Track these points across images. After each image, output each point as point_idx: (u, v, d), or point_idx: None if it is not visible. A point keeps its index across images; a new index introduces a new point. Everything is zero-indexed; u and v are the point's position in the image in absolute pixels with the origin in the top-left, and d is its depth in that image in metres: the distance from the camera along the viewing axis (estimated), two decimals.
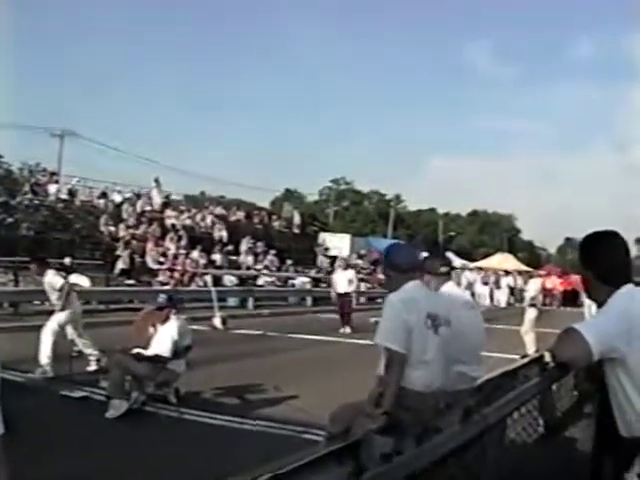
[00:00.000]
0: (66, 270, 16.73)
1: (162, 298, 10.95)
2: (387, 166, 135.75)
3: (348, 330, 21.49)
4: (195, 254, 32.60)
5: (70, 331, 12.69)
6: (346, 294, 22.72)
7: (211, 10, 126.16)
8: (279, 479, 1.72)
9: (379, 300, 34.30)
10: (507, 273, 46.96)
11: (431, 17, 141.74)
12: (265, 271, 35.77)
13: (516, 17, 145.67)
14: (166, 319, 10.62)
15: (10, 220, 30.88)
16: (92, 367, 12.56)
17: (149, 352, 10.29)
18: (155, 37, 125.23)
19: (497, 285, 44.86)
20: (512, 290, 44.48)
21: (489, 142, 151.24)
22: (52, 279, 12.76)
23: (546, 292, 30.58)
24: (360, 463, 1.82)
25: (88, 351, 12.72)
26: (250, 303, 29.29)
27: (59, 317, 12.47)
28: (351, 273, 23.85)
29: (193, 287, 28.84)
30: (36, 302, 20.54)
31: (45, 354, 11.93)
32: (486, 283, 43.95)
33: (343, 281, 22.94)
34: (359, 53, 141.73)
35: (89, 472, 7.24)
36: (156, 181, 39.32)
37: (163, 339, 10.38)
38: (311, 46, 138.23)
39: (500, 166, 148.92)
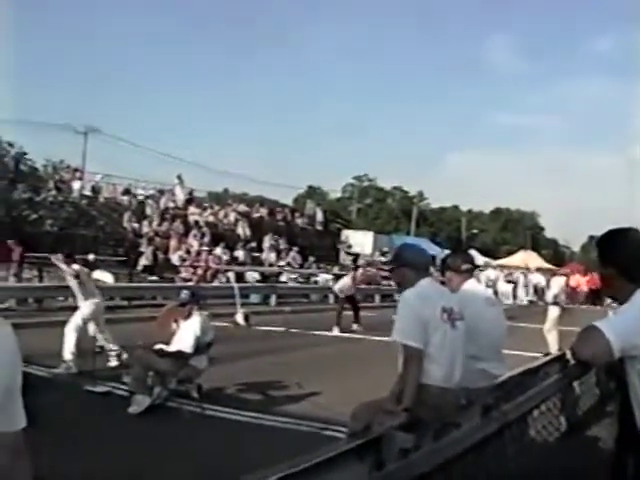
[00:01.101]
0: (90, 266, 16.81)
1: (185, 294, 10.99)
2: (410, 163, 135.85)
3: (360, 327, 21.35)
4: (218, 251, 32.67)
5: (92, 327, 12.77)
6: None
7: (232, 4, 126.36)
8: (301, 475, 1.73)
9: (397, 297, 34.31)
10: (530, 271, 46.69)
11: (451, 12, 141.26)
12: (288, 268, 35.78)
13: (534, 13, 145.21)
14: (188, 315, 10.65)
15: (34, 216, 31.11)
16: (113, 363, 12.62)
17: (171, 348, 10.32)
18: (178, 33, 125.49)
19: (520, 283, 44.63)
20: (535, 288, 44.24)
21: (511, 138, 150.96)
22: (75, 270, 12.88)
23: (569, 290, 30.46)
24: (381, 458, 1.83)
25: (109, 347, 12.79)
26: (272, 300, 29.25)
27: (83, 313, 12.55)
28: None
29: (216, 284, 28.84)
30: (60, 298, 20.66)
31: (69, 350, 12.01)
32: (509, 281, 43.77)
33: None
34: (379, 49, 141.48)
35: (111, 466, 7.28)
36: (179, 178, 39.50)
37: (185, 335, 10.41)
38: (331, 41, 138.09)
39: (523, 162, 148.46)
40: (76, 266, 13.02)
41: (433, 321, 5.17)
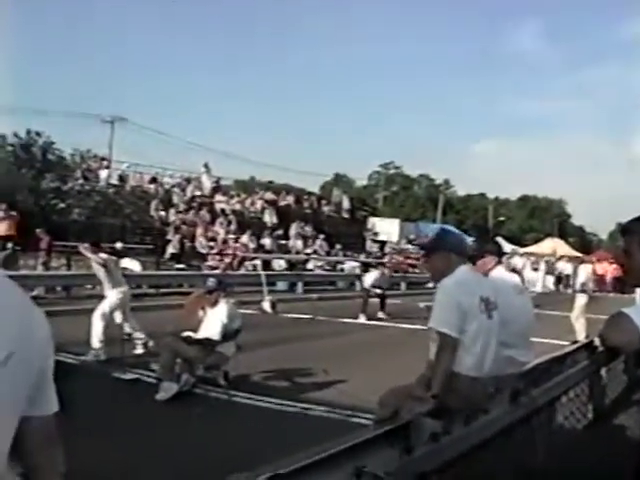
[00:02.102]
0: (118, 254, 16.90)
1: (212, 282, 11.05)
2: (436, 151, 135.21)
3: (386, 316, 21.34)
4: (245, 238, 32.72)
5: (119, 315, 12.85)
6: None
7: None
8: (330, 460, 1.75)
9: (428, 285, 34.26)
10: (557, 259, 46.42)
11: None
12: (314, 255, 35.79)
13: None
14: (215, 302, 10.71)
15: (62, 205, 31.36)
16: (139, 350, 12.70)
17: (199, 335, 10.38)
18: (203, 22, 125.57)
19: (547, 270, 44.38)
20: (562, 276, 44.00)
21: (537, 125, 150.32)
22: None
23: (597, 278, 30.28)
24: (410, 443, 1.84)
25: (135, 335, 12.87)
26: (299, 287, 29.32)
27: (110, 301, 12.64)
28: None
29: (242, 271, 28.92)
30: (88, 286, 20.81)
31: (97, 337, 12.10)
32: (536, 269, 43.53)
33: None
34: (407, 35, 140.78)
35: (139, 452, 7.35)
36: (206, 166, 39.61)
37: (213, 322, 10.47)
38: (360, 29, 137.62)
39: (549, 150, 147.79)
40: (103, 255, 13.12)
41: (471, 311, 5.12)
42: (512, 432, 2.36)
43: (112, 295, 12.71)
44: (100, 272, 12.96)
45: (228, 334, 10.51)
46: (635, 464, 3.31)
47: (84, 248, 13.49)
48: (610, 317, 3.14)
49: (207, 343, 10.29)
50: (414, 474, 1.64)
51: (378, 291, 21.77)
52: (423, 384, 5.06)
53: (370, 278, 22.17)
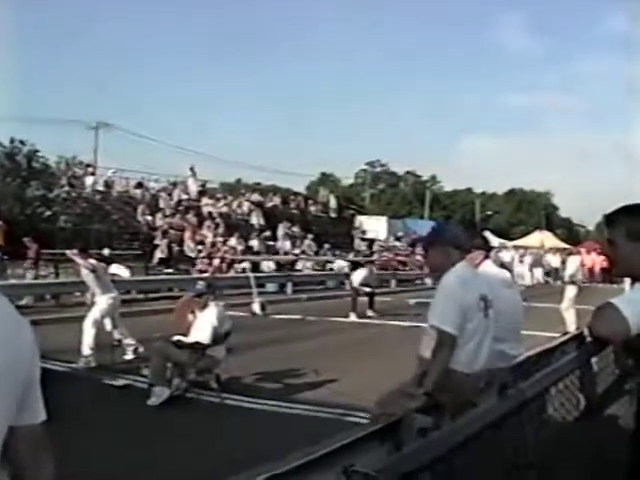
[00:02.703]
0: (105, 261, 16.86)
1: (200, 285, 11.06)
2: (422, 147, 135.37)
3: (374, 314, 21.33)
4: (233, 241, 32.70)
5: (108, 322, 12.81)
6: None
7: None
8: (321, 460, 1.75)
9: (417, 282, 34.33)
10: (546, 251, 46.60)
11: None
12: (303, 256, 35.79)
13: None
14: (205, 306, 10.70)
15: (48, 213, 31.30)
16: (129, 356, 12.67)
17: (189, 339, 10.37)
18: (186, 25, 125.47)
19: (536, 263, 44.52)
20: (551, 268, 44.16)
21: (522, 119, 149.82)
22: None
23: (585, 269, 30.36)
24: (400, 439, 1.84)
25: (126, 341, 12.83)
26: (289, 288, 29.32)
27: (100, 307, 12.60)
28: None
29: (231, 274, 28.88)
30: (77, 293, 20.73)
31: (88, 344, 12.07)
32: (524, 262, 43.66)
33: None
34: (389, 30, 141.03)
35: (133, 458, 7.34)
36: (192, 170, 39.61)
37: (202, 326, 10.45)
38: (341, 27, 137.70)
39: (535, 143, 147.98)
40: (92, 260, 13.08)
41: (471, 309, 5.10)
42: (501, 425, 2.37)
43: (102, 301, 12.67)
44: (89, 278, 12.92)
45: (218, 337, 10.50)
46: (628, 453, 3.32)
47: (73, 254, 13.45)
48: (598, 308, 3.15)
49: (198, 347, 10.28)
50: (399, 472, 1.64)
51: (367, 289, 21.77)
52: (417, 381, 5.05)
53: (358, 276, 22.13)
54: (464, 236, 5.74)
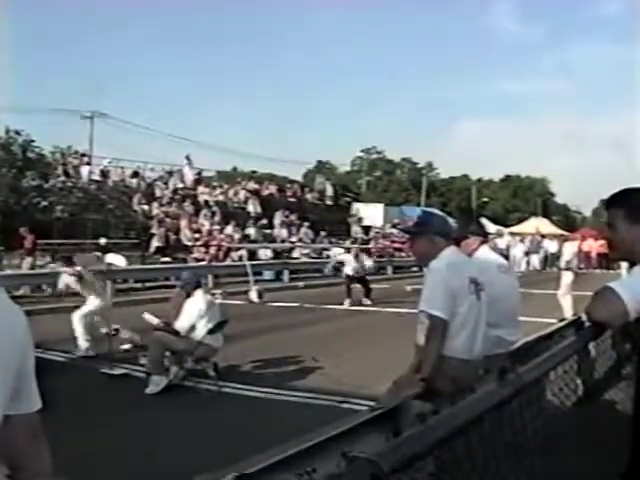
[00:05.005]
0: (102, 250, 16.81)
1: (185, 275, 11.11)
2: (418, 134, 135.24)
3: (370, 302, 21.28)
4: (229, 229, 32.68)
5: (98, 319, 12.68)
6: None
7: None
8: (324, 445, 1.74)
9: (414, 268, 34.33)
10: (542, 237, 46.58)
11: None
12: (299, 244, 35.77)
13: None
14: (188, 295, 10.63)
15: (44, 203, 31.22)
16: (126, 345, 12.61)
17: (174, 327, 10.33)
18: (181, 18, 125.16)
19: (532, 250, 44.53)
20: (548, 254, 44.15)
21: (517, 105, 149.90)
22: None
23: (582, 255, 30.38)
24: (398, 425, 1.83)
25: (123, 331, 12.78)
26: (285, 276, 29.34)
27: (93, 304, 12.51)
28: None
29: (228, 262, 28.90)
30: None
31: (82, 336, 12.05)
32: (521, 248, 43.67)
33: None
34: (385, 18, 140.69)
35: (131, 447, 7.35)
36: (187, 158, 39.55)
37: (182, 315, 10.39)
38: (337, 13, 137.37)
39: (531, 129, 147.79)
40: (78, 267, 12.95)
41: (462, 292, 5.07)
42: (500, 410, 2.36)
43: (92, 303, 12.55)
44: (78, 286, 12.85)
45: (198, 326, 10.36)
46: (627, 437, 3.32)
47: (67, 274, 13.29)
48: (596, 292, 3.14)
49: (175, 334, 10.22)
50: (400, 456, 1.64)
51: (350, 273, 21.62)
52: (415, 368, 5.03)
53: (347, 263, 22.10)
54: (449, 224, 5.73)
